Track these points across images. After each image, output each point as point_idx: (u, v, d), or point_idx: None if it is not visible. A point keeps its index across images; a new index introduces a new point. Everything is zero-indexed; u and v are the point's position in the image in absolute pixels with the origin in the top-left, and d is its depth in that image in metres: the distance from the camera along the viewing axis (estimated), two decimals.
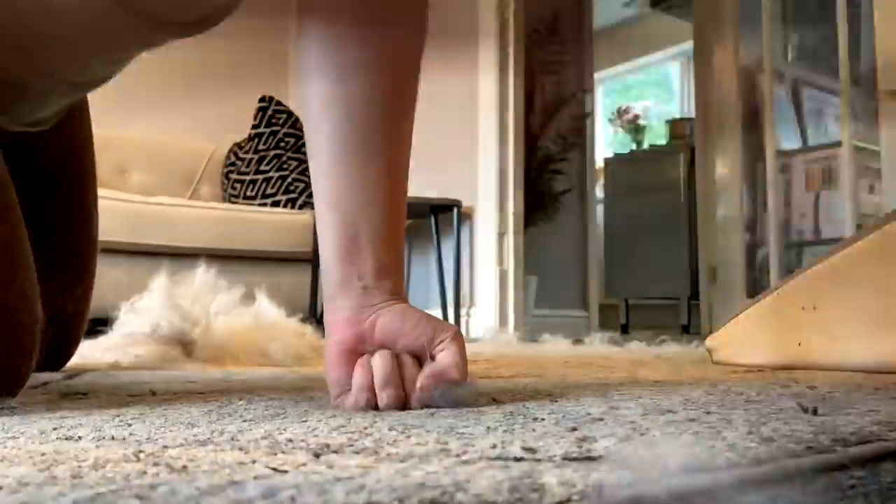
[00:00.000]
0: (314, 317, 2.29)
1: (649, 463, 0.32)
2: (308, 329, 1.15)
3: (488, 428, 0.42)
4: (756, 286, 3.35)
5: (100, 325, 1.17)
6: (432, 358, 0.54)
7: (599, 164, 3.97)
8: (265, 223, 2.66)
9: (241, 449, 0.36)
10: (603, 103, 5.68)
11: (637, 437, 0.38)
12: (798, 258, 3.51)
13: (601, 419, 0.45)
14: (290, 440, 0.38)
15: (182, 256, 2.47)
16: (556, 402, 0.54)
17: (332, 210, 0.59)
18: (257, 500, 0.26)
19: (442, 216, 2.62)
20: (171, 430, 0.42)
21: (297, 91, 3.64)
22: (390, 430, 0.41)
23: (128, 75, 0.87)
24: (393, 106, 0.62)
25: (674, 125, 4.22)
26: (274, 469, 0.31)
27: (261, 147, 2.97)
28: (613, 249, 4.07)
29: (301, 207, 2.86)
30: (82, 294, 0.96)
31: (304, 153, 2.78)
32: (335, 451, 0.35)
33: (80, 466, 0.32)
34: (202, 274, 1.16)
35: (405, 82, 0.64)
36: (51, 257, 0.87)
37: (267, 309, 1.11)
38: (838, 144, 3.26)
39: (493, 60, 2.52)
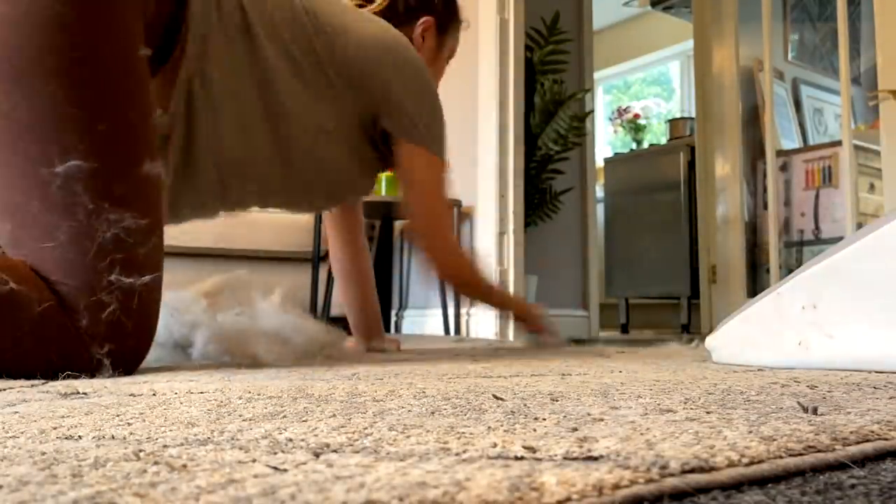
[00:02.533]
0: (314, 316, 2.29)
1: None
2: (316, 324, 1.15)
3: (489, 427, 0.42)
4: (756, 286, 3.35)
5: None
6: None
7: (599, 163, 3.97)
8: (265, 223, 2.67)
9: (240, 448, 0.36)
10: (603, 102, 5.69)
11: (637, 436, 0.38)
12: (798, 257, 3.52)
13: (601, 419, 0.45)
14: (290, 439, 0.38)
15: (182, 256, 2.48)
16: (557, 401, 0.54)
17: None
18: (257, 499, 0.26)
19: None
20: (171, 430, 0.42)
21: None
22: (390, 429, 0.41)
23: None
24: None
25: (674, 124, 4.22)
26: (274, 468, 0.31)
27: None
28: (613, 249, 4.07)
29: None
30: None
31: None
32: (335, 451, 0.35)
33: (80, 465, 0.32)
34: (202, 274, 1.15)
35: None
36: None
37: (267, 308, 1.11)
38: (838, 143, 3.26)
39: (493, 60, 2.52)
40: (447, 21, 1.34)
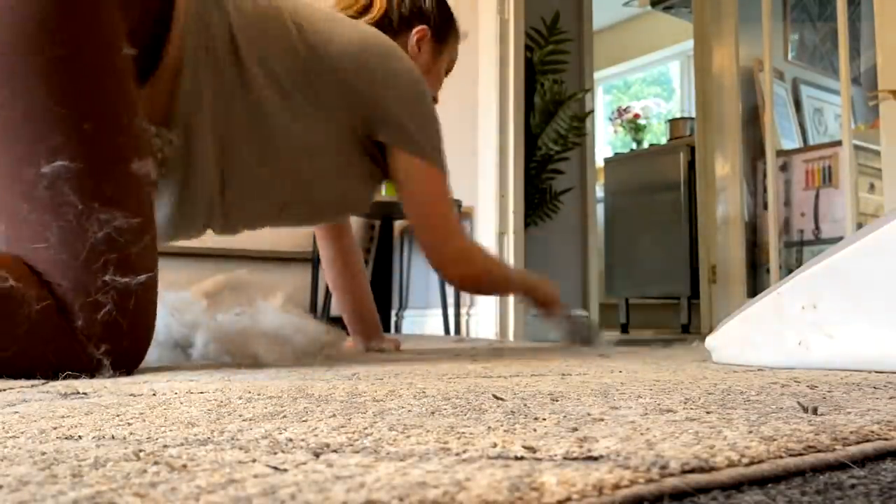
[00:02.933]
0: (314, 316, 2.29)
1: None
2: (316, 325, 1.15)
3: (489, 427, 0.42)
4: (756, 286, 3.35)
5: None
6: None
7: (599, 163, 3.97)
8: None
9: (240, 448, 0.36)
10: (603, 102, 5.68)
11: (637, 436, 0.38)
12: (798, 257, 3.51)
13: (601, 419, 0.45)
14: (290, 439, 0.38)
15: (182, 256, 2.48)
16: (557, 401, 0.54)
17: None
18: (257, 499, 0.26)
19: None
20: (171, 430, 0.42)
21: None
22: (390, 429, 0.41)
23: None
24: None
25: (674, 124, 4.22)
26: (274, 468, 0.31)
27: None
28: (613, 249, 4.07)
29: None
30: None
31: None
32: (335, 451, 0.35)
33: (80, 465, 0.32)
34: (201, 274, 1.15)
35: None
36: None
37: (267, 308, 1.11)
38: (838, 143, 3.26)
39: (493, 60, 2.52)
40: (443, 30, 1.31)
